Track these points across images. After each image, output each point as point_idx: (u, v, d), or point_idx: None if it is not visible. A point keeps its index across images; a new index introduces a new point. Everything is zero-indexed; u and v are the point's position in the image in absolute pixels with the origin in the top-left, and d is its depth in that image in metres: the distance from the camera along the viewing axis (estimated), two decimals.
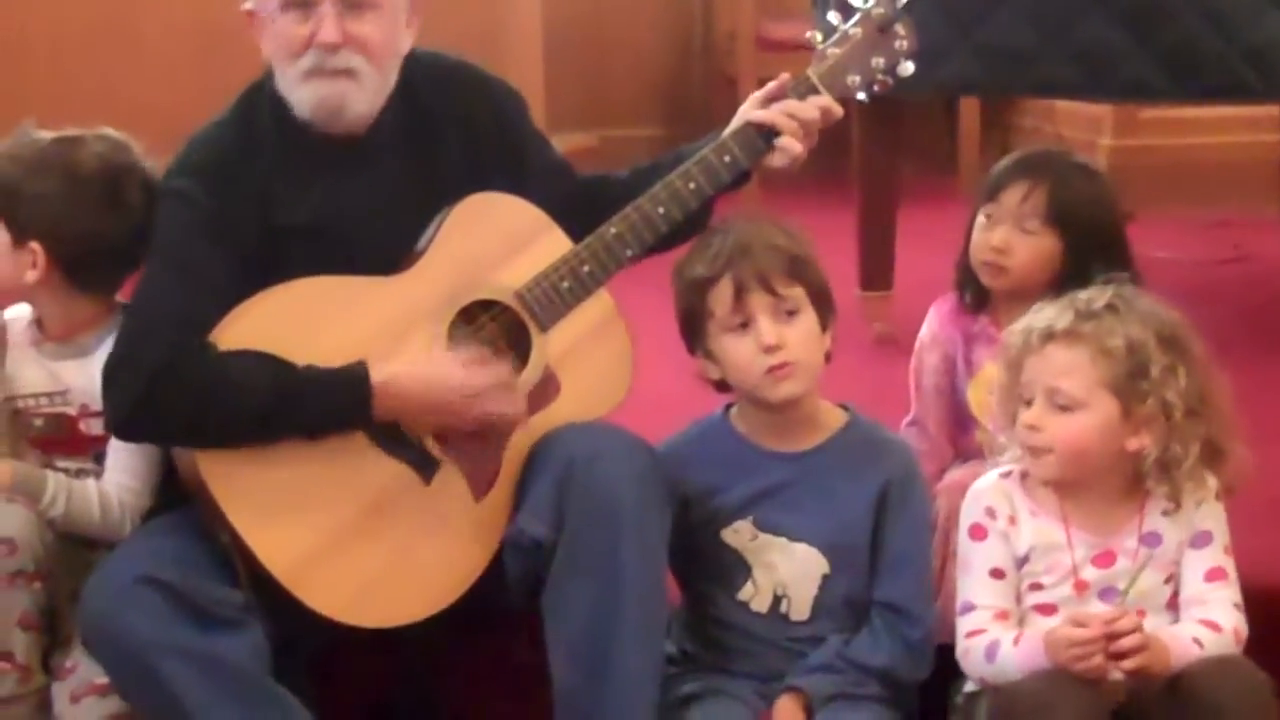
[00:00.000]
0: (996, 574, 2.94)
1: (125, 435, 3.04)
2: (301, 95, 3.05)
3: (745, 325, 3.02)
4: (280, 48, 3.05)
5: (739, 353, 3.03)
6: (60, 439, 3.18)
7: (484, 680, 3.29)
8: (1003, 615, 2.93)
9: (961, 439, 3.36)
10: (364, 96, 3.06)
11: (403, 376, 2.97)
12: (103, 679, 2.96)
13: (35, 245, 3.12)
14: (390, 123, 3.11)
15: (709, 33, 7.26)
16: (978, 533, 2.96)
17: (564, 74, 6.33)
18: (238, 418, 2.92)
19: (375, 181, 3.10)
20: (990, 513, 2.95)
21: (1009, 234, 3.27)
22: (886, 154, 4.76)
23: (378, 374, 2.95)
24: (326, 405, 2.94)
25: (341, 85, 3.04)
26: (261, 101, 3.11)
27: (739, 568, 3.08)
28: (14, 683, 3.01)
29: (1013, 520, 2.95)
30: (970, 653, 2.92)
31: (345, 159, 3.09)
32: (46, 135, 3.18)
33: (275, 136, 3.09)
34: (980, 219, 3.31)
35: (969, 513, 2.98)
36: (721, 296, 3.03)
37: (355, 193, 3.08)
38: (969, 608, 2.94)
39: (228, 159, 3.08)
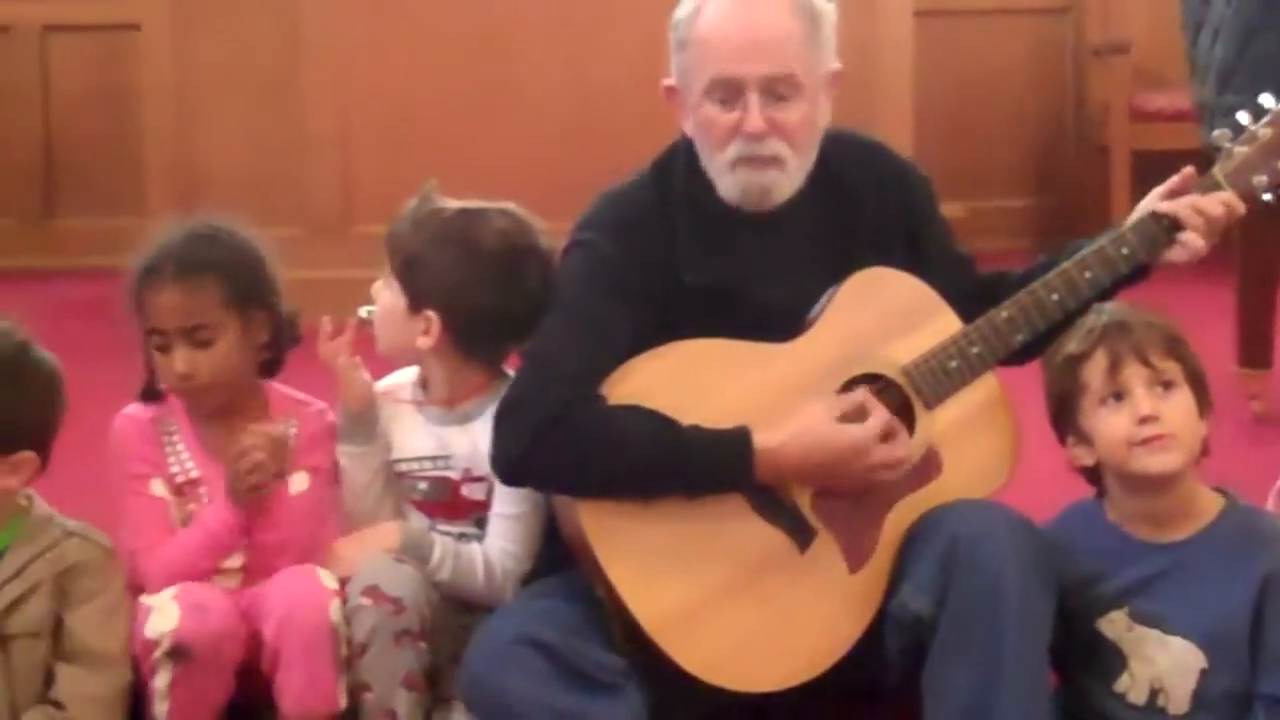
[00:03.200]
0: None
1: (511, 479, 3.09)
2: (728, 182, 3.09)
3: (1119, 397, 2.99)
4: (706, 134, 3.09)
5: (1112, 426, 2.99)
6: (442, 503, 3.25)
7: None
8: None
9: None
10: (789, 182, 3.10)
11: (786, 442, 2.98)
12: None
13: (430, 314, 3.19)
14: (805, 195, 3.14)
15: (1082, 103, 7.17)
16: None
17: (934, 144, 6.29)
18: (621, 471, 2.96)
19: (784, 251, 3.12)
20: None
21: None
22: (1266, 230, 4.66)
23: (761, 439, 2.97)
24: (709, 466, 2.97)
25: (769, 174, 3.08)
26: (677, 164, 3.15)
27: (1115, 659, 3.02)
28: None
29: None
30: None
31: (758, 228, 3.12)
32: (451, 205, 3.24)
33: (688, 200, 3.13)
34: None
35: None
36: (1095, 369, 3.00)
37: (762, 261, 3.11)
38: None
39: (639, 217, 3.13)
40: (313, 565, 3.13)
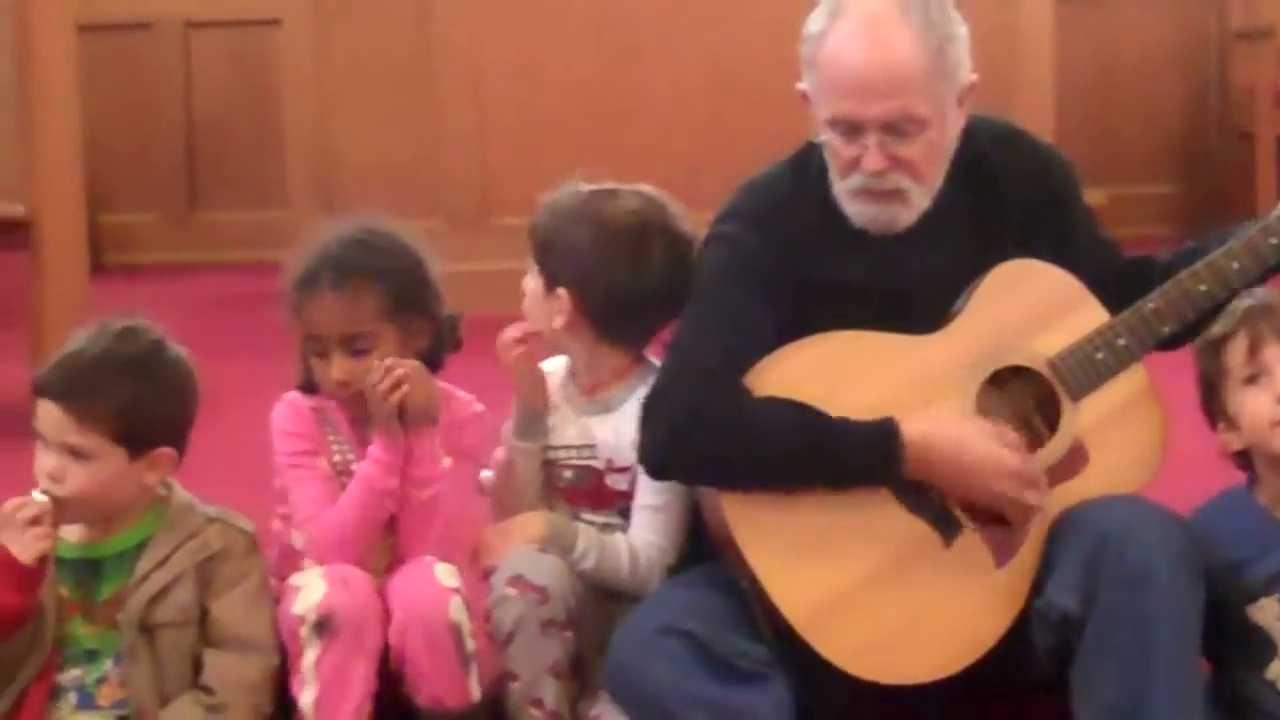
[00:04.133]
0: None
1: (657, 472, 3.09)
2: (851, 209, 3.08)
3: (1260, 377, 2.96)
4: (834, 157, 3.07)
5: (1254, 407, 2.96)
6: (588, 492, 3.26)
7: None
8: None
9: None
10: (912, 212, 3.07)
11: (933, 437, 2.97)
12: None
13: (562, 292, 3.21)
14: (946, 188, 3.11)
15: (1225, 89, 7.10)
16: None
17: (1075, 130, 6.26)
18: (765, 463, 2.96)
19: (926, 245, 3.10)
20: None
21: None
22: None
23: (908, 432, 2.96)
24: (855, 458, 2.96)
25: (890, 208, 3.06)
26: (816, 158, 3.13)
27: (1265, 646, 2.97)
28: None
29: None
30: None
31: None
32: (584, 187, 3.26)
33: (822, 195, 3.11)
34: None
35: None
36: (1237, 351, 2.97)
37: (903, 255, 3.09)
38: None
39: (779, 209, 3.12)
40: (431, 563, 3.14)
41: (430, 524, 3.18)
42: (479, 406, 3.30)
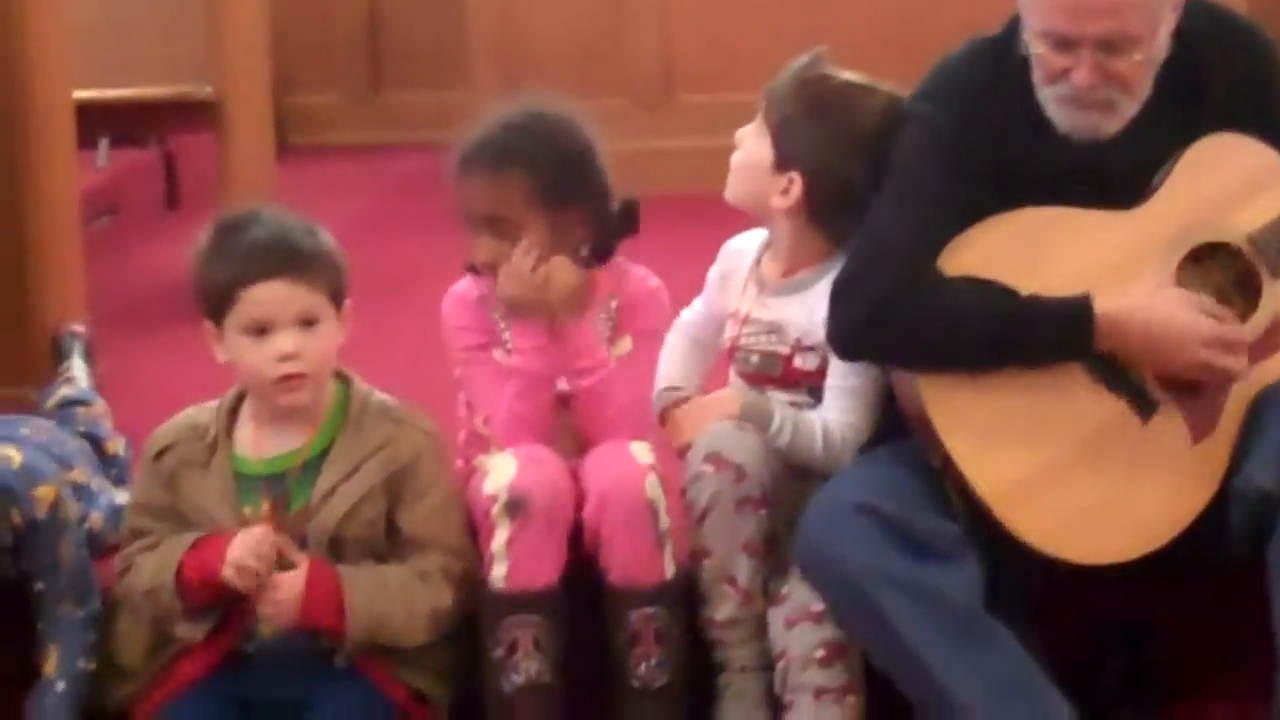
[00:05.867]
0: None
1: (846, 353, 3.08)
2: (1056, 114, 3.03)
3: None
4: (1039, 63, 3.02)
5: None
6: (773, 377, 3.23)
7: (1198, 638, 3.22)
8: None
9: None
10: (1118, 122, 3.03)
11: (1128, 311, 2.95)
12: (818, 606, 3.01)
13: (794, 175, 3.18)
14: (1154, 92, 3.05)
15: None
16: None
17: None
18: (958, 343, 2.95)
19: (1130, 147, 3.04)
20: None
21: None
22: None
23: (1102, 307, 2.94)
24: (1049, 335, 2.95)
25: (1096, 117, 3.01)
26: (1017, 39, 3.08)
27: None
28: (735, 606, 3.10)
29: None
30: None
31: None
32: (839, 75, 3.21)
33: (1027, 85, 3.06)
34: None
35: None
36: None
37: (1105, 155, 3.04)
38: None
39: (975, 89, 3.09)
40: (626, 441, 3.16)
41: (601, 410, 3.20)
42: (654, 281, 3.30)
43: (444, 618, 3.06)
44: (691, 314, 3.39)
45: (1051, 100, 3.03)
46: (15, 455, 3.14)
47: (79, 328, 4.07)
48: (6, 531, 3.11)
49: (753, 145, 3.24)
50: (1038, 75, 3.03)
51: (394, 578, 3.03)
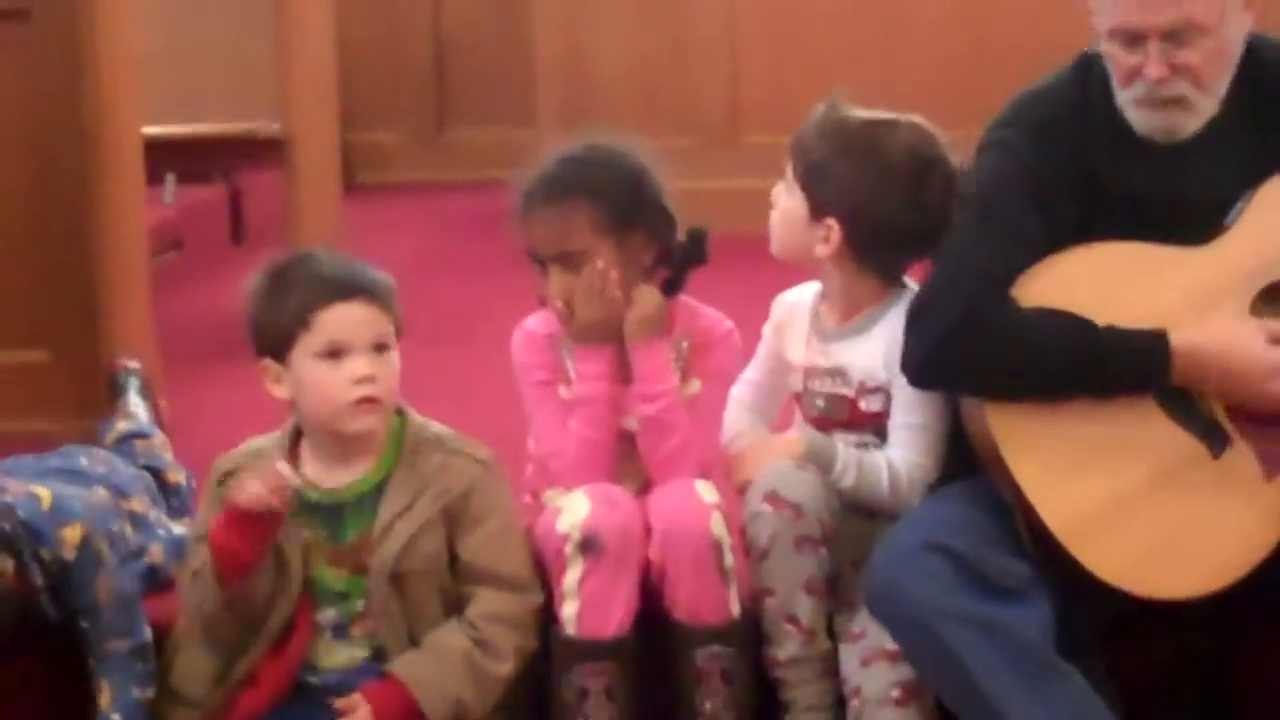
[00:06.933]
0: None
1: (921, 379, 3.07)
2: (1134, 117, 3.03)
3: None
4: (1115, 66, 3.02)
5: None
6: (839, 421, 3.22)
7: (1272, 676, 3.19)
8: None
9: None
10: (1195, 120, 3.02)
11: (1204, 344, 2.94)
12: (893, 645, 2.99)
13: (831, 222, 3.17)
14: (1228, 103, 3.05)
15: None
16: None
17: None
18: (1033, 371, 2.94)
19: (1210, 153, 3.04)
20: None
21: None
22: None
23: (1178, 339, 2.93)
24: (1124, 367, 2.93)
25: (1173, 115, 3.00)
26: (1098, 68, 3.08)
27: None
28: (798, 645, 3.08)
29: None
30: None
31: (1174, 143, 3.05)
32: (859, 114, 3.21)
33: (1105, 105, 3.06)
34: None
35: None
36: None
37: (1188, 162, 3.03)
38: None
39: (1057, 117, 3.08)
40: (692, 480, 3.14)
41: (664, 439, 3.18)
42: (728, 324, 3.28)
43: (509, 682, 3.05)
44: (743, 387, 3.36)
45: (1129, 104, 3.02)
46: (45, 495, 3.15)
47: (133, 363, 4.08)
48: (37, 572, 3.12)
49: (786, 201, 3.23)
50: (1115, 81, 3.03)
51: (455, 656, 3.02)
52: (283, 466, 3.01)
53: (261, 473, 2.98)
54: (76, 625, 3.16)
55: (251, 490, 2.96)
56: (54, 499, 3.15)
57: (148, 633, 3.18)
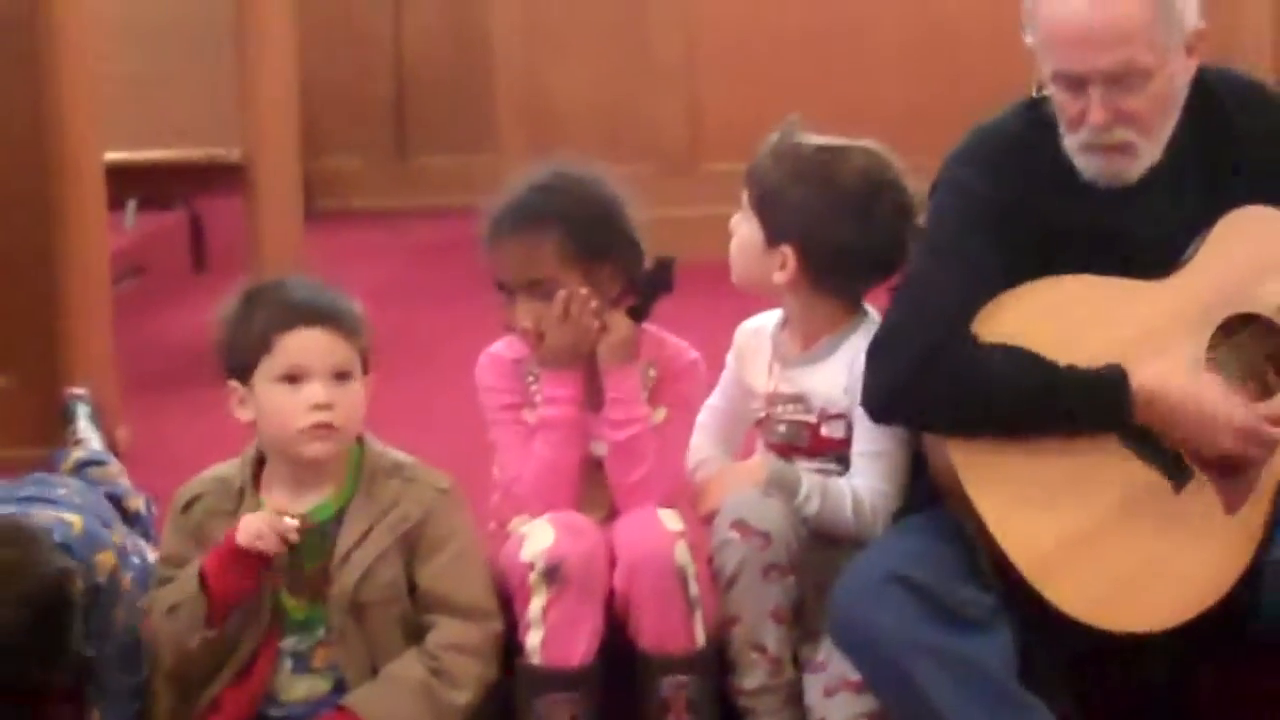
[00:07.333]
0: None
1: (880, 415, 3.07)
2: (1079, 162, 3.03)
3: None
4: (1060, 111, 3.02)
5: None
6: (800, 447, 3.22)
7: (1235, 708, 3.19)
8: None
9: None
10: (1140, 164, 3.02)
11: (1164, 388, 2.94)
12: (857, 675, 2.99)
13: (787, 249, 3.17)
14: (1182, 138, 3.05)
15: None
16: None
17: None
18: (994, 410, 2.94)
19: (1157, 196, 3.04)
20: None
21: None
22: None
23: (1138, 381, 2.93)
24: (1084, 406, 2.93)
25: (1116, 161, 3.01)
26: (1045, 109, 3.08)
27: None
28: (765, 674, 3.08)
29: None
30: None
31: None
32: (812, 140, 3.22)
33: (1053, 147, 3.06)
34: None
35: None
36: None
37: (1130, 211, 3.04)
38: None
39: (1012, 154, 3.08)
40: (655, 509, 3.13)
41: (633, 467, 3.17)
42: (693, 354, 3.28)
43: (469, 712, 3.04)
44: (707, 414, 3.35)
45: (1075, 149, 3.02)
46: (76, 521, 3.14)
47: (80, 391, 4.06)
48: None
49: (743, 229, 3.24)
50: (1061, 126, 3.03)
51: (411, 686, 3.00)
52: (283, 506, 3.01)
53: (264, 517, 2.98)
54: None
55: (253, 529, 2.96)
56: (85, 526, 3.14)
57: (145, 672, 3.16)
